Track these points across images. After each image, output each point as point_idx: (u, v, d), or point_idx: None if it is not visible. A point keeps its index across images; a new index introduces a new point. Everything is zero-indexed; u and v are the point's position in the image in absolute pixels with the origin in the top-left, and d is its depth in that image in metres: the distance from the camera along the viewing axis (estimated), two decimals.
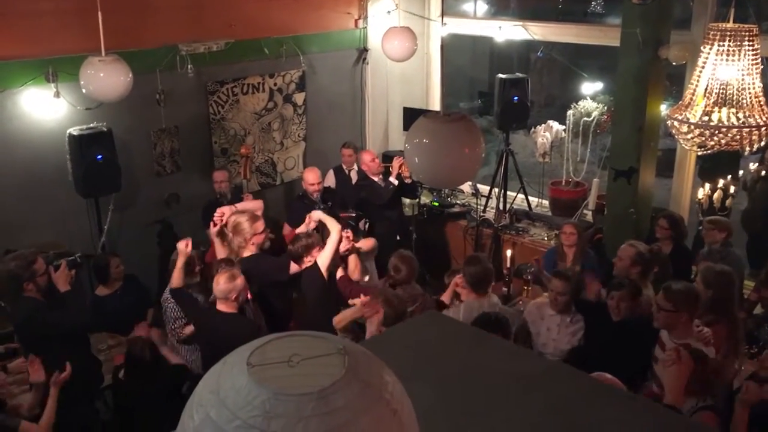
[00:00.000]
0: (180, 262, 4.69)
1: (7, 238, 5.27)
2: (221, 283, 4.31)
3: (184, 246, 4.73)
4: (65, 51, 5.60)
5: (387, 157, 7.50)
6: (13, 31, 5.46)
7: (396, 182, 6.68)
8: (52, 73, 5.57)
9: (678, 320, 3.85)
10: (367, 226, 6.61)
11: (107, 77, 5.22)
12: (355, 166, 7.35)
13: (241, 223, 4.95)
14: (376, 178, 6.83)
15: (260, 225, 4.99)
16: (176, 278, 4.68)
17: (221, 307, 4.38)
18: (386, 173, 6.82)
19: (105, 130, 5.67)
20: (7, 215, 5.56)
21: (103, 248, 5.94)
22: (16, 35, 5.48)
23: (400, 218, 7.11)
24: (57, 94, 5.63)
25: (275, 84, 7.34)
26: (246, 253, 4.94)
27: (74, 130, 5.60)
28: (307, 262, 4.94)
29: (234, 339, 4.27)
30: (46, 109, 5.67)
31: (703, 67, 4.53)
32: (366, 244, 5.57)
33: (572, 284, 4.51)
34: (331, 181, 7.27)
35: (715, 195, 5.87)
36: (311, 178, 6.48)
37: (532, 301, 4.80)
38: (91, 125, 5.70)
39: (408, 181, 6.71)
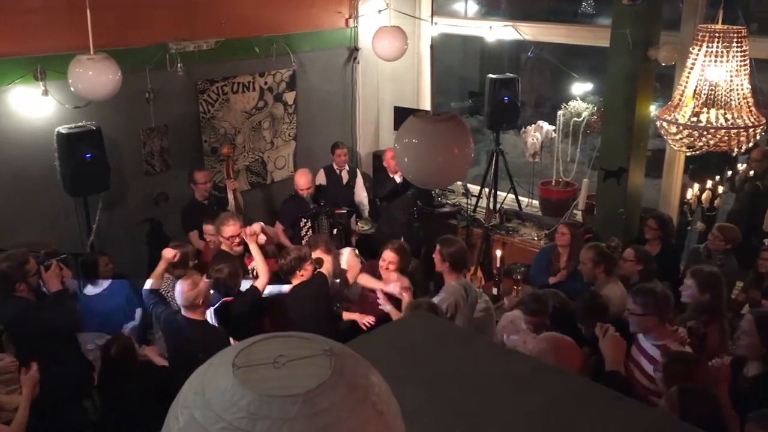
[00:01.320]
0: (161, 268, 4.69)
1: None
2: (185, 290, 4.27)
3: (171, 256, 4.73)
4: (54, 49, 5.56)
5: (377, 157, 7.51)
6: (1, 28, 5.41)
7: (399, 179, 6.69)
8: (40, 71, 5.53)
9: (650, 323, 3.84)
10: (358, 223, 6.62)
11: (96, 75, 5.19)
12: (347, 166, 7.35)
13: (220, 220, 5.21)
14: (397, 177, 6.81)
15: (229, 231, 5.17)
16: (155, 280, 4.66)
17: (188, 314, 4.34)
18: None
19: (94, 128, 5.64)
20: None
21: (92, 247, 5.91)
22: (4, 32, 5.43)
23: (409, 220, 7.04)
24: (45, 92, 5.59)
25: (265, 83, 7.32)
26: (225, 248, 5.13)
27: (63, 129, 5.56)
28: (300, 276, 4.90)
29: (201, 346, 4.23)
30: (34, 107, 5.63)
31: (692, 68, 4.55)
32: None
33: (545, 316, 4.38)
34: (321, 180, 7.26)
35: (704, 195, 5.90)
36: (302, 182, 6.45)
37: (505, 314, 4.76)
38: (80, 124, 5.66)
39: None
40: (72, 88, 5.29)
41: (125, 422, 4.16)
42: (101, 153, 5.66)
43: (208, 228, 5.70)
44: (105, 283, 5.37)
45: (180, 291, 4.29)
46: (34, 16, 5.52)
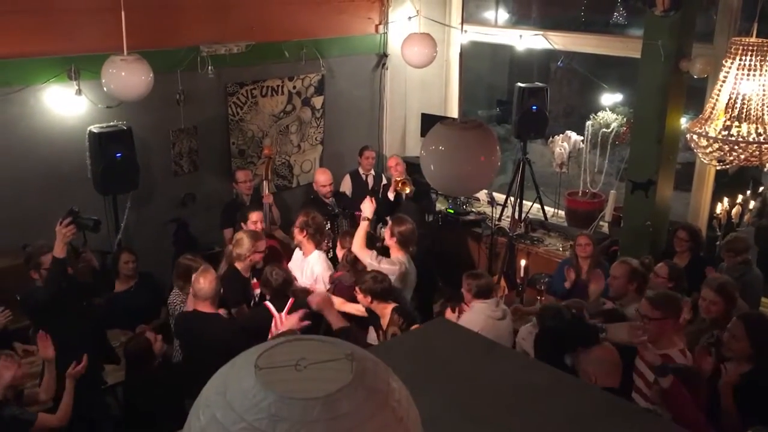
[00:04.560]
0: None
1: (26, 233, 5.32)
2: (205, 284, 4.30)
3: None
4: (88, 49, 5.66)
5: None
6: (38, 28, 5.52)
7: (391, 197, 6.73)
8: (74, 71, 5.63)
9: (665, 328, 3.86)
10: (382, 230, 6.60)
11: (129, 76, 5.27)
12: (373, 171, 7.36)
13: (242, 238, 5.05)
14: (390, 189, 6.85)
15: (261, 245, 5.09)
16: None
17: (201, 307, 4.36)
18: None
19: (125, 128, 5.72)
20: (26, 210, 5.62)
21: (119, 245, 5.98)
22: (41, 32, 5.54)
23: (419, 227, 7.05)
24: (79, 92, 5.69)
25: (294, 87, 7.37)
26: (240, 266, 5.02)
27: (95, 128, 5.66)
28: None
29: (216, 340, 4.20)
30: (67, 106, 5.74)
31: (724, 81, 4.49)
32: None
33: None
34: (347, 185, 7.28)
35: (734, 210, 5.81)
36: (323, 179, 6.54)
37: (524, 326, 4.76)
38: (112, 123, 5.75)
39: (410, 196, 6.72)
40: (105, 88, 5.38)
41: (147, 418, 4.20)
42: (131, 153, 5.74)
43: (257, 215, 5.68)
44: (131, 281, 5.44)
45: (199, 283, 4.31)
46: (69, 16, 5.63)
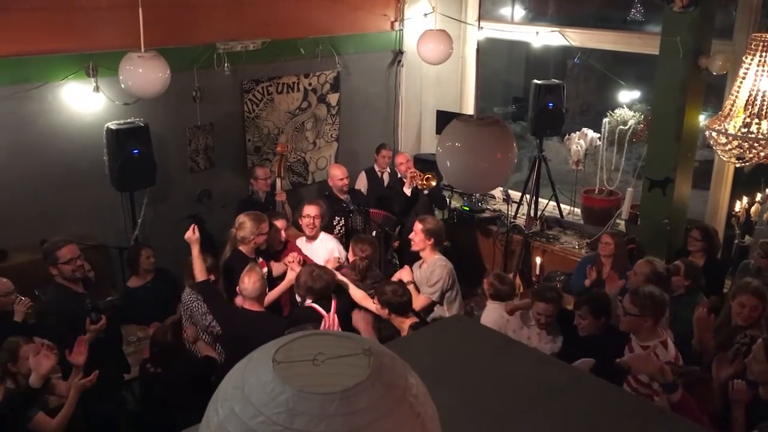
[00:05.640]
0: (195, 251, 4.66)
1: (43, 229, 5.37)
2: (250, 283, 4.34)
3: (191, 234, 4.69)
4: (106, 46, 5.70)
5: (418, 161, 7.50)
6: (56, 25, 5.57)
7: (408, 192, 6.70)
8: (92, 68, 5.68)
9: (642, 324, 3.93)
10: (397, 229, 6.61)
11: (146, 73, 5.30)
12: (388, 169, 7.36)
13: (245, 222, 5.05)
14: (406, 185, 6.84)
15: (265, 227, 5.09)
16: (199, 270, 4.64)
17: (248, 305, 4.40)
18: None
19: (142, 125, 5.76)
20: (44, 206, 5.68)
21: (136, 241, 6.02)
22: (59, 30, 5.59)
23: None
24: (96, 89, 5.74)
25: (310, 84, 7.38)
26: (244, 249, 5.04)
27: (112, 125, 5.69)
28: None
29: (264, 338, 4.26)
30: (85, 102, 5.78)
31: (744, 78, 4.44)
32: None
33: (557, 305, 4.52)
34: (363, 183, 7.29)
35: (753, 208, 5.75)
36: (339, 173, 6.57)
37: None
38: (129, 120, 5.79)
39: (425, 191, 6.69)
40: (122, 85, 5.42)
41: (168, 410, 4.22)
42: (148, 149, 5.77)
43: (282, 223, 5.61)
44: (148, 276, 5.47)
45: (244, 283, 4.36)
46: (87, 14, 5.67)
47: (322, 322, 4.53)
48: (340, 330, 4.42)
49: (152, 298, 5.39)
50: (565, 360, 4.11)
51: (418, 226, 5.12)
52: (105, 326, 4.31)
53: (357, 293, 4.78)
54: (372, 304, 4.65)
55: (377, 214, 6.51)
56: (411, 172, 6.67)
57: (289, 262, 4.98)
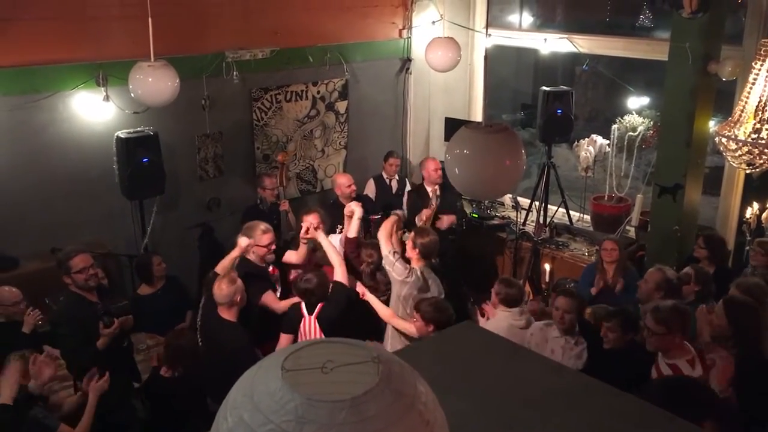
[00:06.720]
0: (234, 255, 4.79)
1: (54, 237, 5.40)
2: (224, 288, 4.37)
3: (245, 245, 4.86)
4: (116, 56, 5.73)
5: None
6: (66, 35, 5.61)
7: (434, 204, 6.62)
8: (102, 77, 5.71)
9: (672, 341, 3.81)
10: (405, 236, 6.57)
11: (155, 82, 5.33)
12: (397, 176, 7.36)
13: (253, 227, 5.11)
14: (429, 188, 6.79)
15: (261, 238, 5.09)
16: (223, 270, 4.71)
17: (223, 314, 4.43)
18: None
19: (151, 133, 5.79)
20: (54, 214, 5.70)
21: (146, 249, 6.05)
22: (70, 39, 5.63)
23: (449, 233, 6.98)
24: (106, 98, 5.77)
25: (318, 92, 7.40)
26: (252, 257, 5.10)
27: (122, 133, 5.72)
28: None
29: (232, 349, 4.24)
30: (95, 112, 5.81)
31: (754, 84, 4.43)
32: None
33: (577, 302, 4.47)
34: (371, 189, 7.29)
35: (764, 215, 5.71)
36: (345, 180, 6.57)
37: (535, 323, 4.73)
38: (139, 129, 5.82)
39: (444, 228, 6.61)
40: (132, 94, 5.44)
41: (178, 416, 4.21)
42: (158, 158, 5.80)
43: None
44: (158, 284, 5.49)
45: (218, 288, 4.39)
46: (97, 24, 5.71)
47: (302, 323, 4.66)
48: (316, 335, 4.55)
49: (162, 306, 5.40)
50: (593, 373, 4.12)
51: (411, 237, 5.11)
52: (118, 330, 4.33)
53: (384, 311, 4.88)
54: (401, 322, 4.70)
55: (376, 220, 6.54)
56: (427, 212, 6.48)
57: (306, 233, 5.14)
